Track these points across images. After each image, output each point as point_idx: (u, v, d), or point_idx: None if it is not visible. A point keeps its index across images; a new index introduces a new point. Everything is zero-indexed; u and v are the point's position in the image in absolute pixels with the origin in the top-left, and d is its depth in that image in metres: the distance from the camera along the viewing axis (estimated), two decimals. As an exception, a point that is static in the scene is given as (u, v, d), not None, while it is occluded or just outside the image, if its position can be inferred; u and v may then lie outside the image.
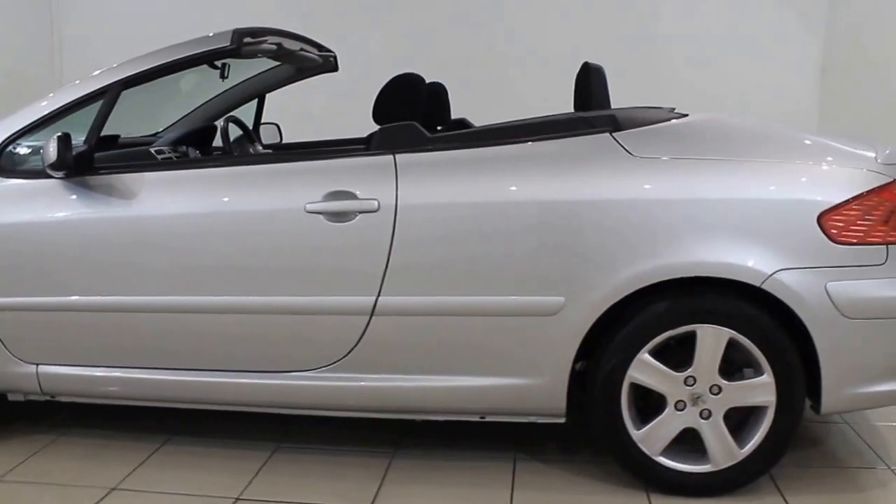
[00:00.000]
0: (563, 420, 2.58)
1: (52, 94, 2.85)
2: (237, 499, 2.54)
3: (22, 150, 2.90)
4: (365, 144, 3.57)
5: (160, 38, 6.34)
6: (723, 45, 5.58)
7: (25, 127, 2.81)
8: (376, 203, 2.48)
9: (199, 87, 3.91)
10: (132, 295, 2.67)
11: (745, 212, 2.34)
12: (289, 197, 2.55)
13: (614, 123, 2.50)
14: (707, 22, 5.76)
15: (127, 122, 3.89)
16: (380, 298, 2.50)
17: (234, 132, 3.71)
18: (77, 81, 2.85)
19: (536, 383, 2.49)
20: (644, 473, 2.50)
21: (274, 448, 2.87)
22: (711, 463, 2.45)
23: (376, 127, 2.71)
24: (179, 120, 3.91)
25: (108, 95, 2.76)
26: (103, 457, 2.86)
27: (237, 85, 3.78)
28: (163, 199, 2.66)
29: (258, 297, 2.58)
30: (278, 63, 3.58)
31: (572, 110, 3.44)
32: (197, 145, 3.67)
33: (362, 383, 2.60)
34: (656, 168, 2.40)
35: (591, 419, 2.52)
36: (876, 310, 2.31)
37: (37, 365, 2.82)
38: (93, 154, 2.72)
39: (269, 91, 3.84)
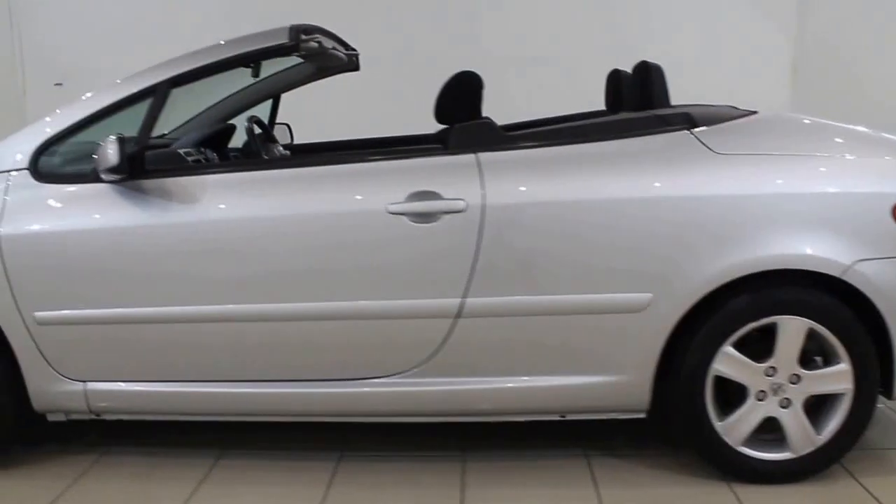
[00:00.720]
0: (643, 415, 2.60)
1: (89, 95, 2.69)
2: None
3: (60, 154, 2.71)
4: (399, 143, 3.55)
5: (126, 43, 6.15)
6: (693, 46, 5.74)
7: (64, 130, 2.65)
8: (463, 203, 2.44)
9: (206, 87, 3.76)
10: (196, 304, 2.54)
11: (822, 205, 2.42)
12: (369, 198, 2.48)
13: (691, 121, 2.54)
14: (677, 23, 5.93)
15: (131, 123, 3.72)
16: (466, 300, 2.47)
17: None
18: (118, 81, 2.70)
19: (622, 380, 2.51)
20: (726, 464, 2.55)
21: (338, 458, 2.79)
22: (791, 450, 2.52)
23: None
24: (190, 121, 3.75)
25: (156, 95, 2.63)
26: (157, 476, 2.72)
27: (252, 84, 3.65)
28: (226, 202, 2.55)
29: (334, 302, 2.50)
30: (300, 61, 3.48)
31: (588, 109, 3.51)
32: (213, 147, 3.53)
33: (442, 387, 2.56)
34: (737, 164, 2.46)
35: (673, 413, 2.56)
36: None
37: (85, 382, 2.65)
38: (144, 156, 2.58)
39: (286, 90, 3.72)
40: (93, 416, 2.74)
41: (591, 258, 2.45)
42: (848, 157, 2.51)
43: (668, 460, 2.71)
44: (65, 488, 2.64)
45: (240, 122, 3.65)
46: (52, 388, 2.66)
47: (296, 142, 3.98)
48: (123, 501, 2.56)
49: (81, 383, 2.65)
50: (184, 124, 3.74)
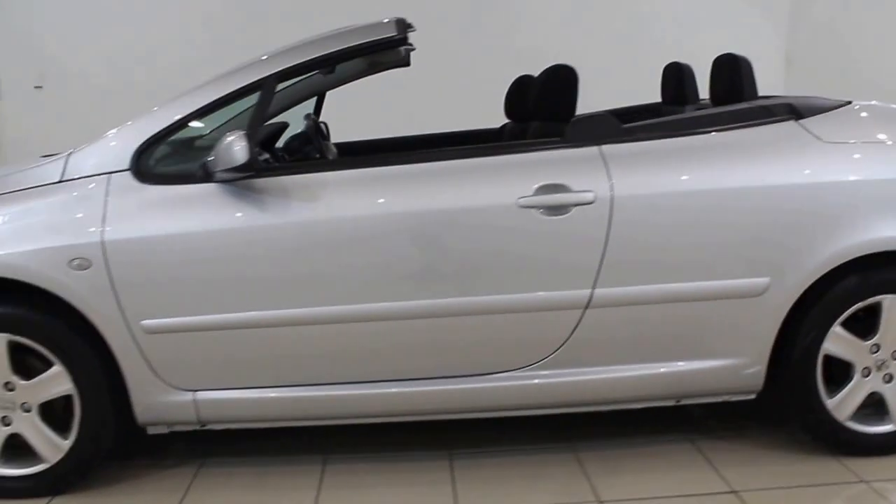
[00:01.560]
0: (753, 396, 2.69)
1: (189, 93, 2.58)
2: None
3: (160, 153, 2.58)
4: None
5: (108, 43, 5.89)
6: (686, 39, 5.91)
7: (166, 128, 2.54)
8: (591, 195, 2.46)
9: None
10: (314, 306, 2.47)
11: None
12: (498, 192, 2.47)
13: (796, 111, 2.64)
14: (671, 16, 6.10)
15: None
16: (595, 290, 2.49)
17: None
18: (218, 76, 2.59)
19: (739, 363, 2.59)
20: (836, 439, 2.66)
21: (447, 455, 2.77)
22: (894, 423, 2.66)
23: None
24: (232, 119, 3.61)
25: (263, 90, 2.54)
26: (271, 484, 2.65)
27: (303, 80, 3.55)
28: (345, 200, 2.49)
29: (463, 298, 2.48)
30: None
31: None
32: (262, 146, 3.42)
33: (567, 378, 2.57)
34: (846, 152, 2.57)
35: (785, 393, 2.65)
36: None
37: (194, 392, 2.54)
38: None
39: (336, 86, 3.63)
40: (195, 427, 2.64)
41: (712, 246, 2.51)
42: None
43: (768, 439, 2.80)
44: (178, 501, 2.53)
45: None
46: (159, 399, 2.54)
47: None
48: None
49: (191, 393, 2.54)
50: (225, 123, 3.61)
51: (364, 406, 2.58)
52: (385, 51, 2.65)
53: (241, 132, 2.37)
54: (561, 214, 2.46)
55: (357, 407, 2.58)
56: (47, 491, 2.59)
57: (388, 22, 2.62)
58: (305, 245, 2.46)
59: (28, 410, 2.54)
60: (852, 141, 2.59)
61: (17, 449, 2.58)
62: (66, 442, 2.55)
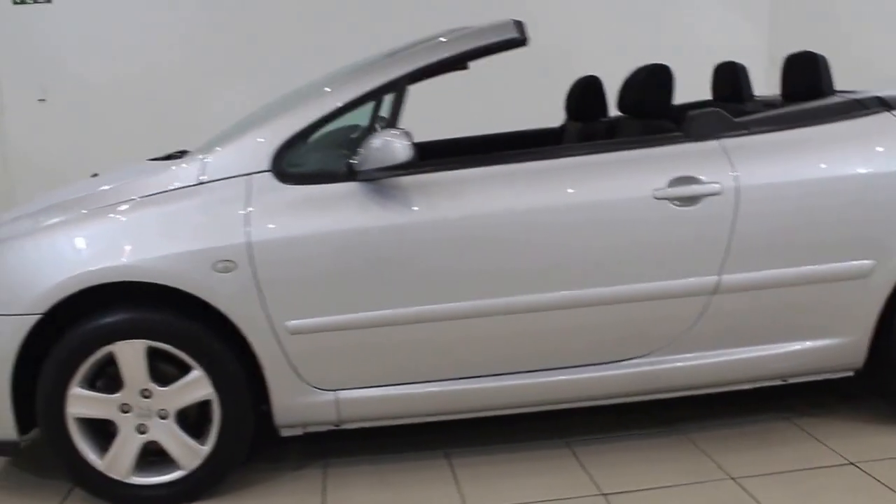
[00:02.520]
0: (852, 373, 2.86)
1: (327, 91, 2.59)
2: (606, 494, 2.52)
3: (299, 153, 2.58)
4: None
5: (110, 55, 5.74)
6: (669, 40, 6.10)
7: (304, 128, 2.55)
8: (719, 186, 2.58)
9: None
10: (460, 301, 2.51)
11: None
12: (634, 185, 2.57)
13: (886, 104, 2.81)
14: (653, 17, 6.28)
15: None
16: (721, 277, 2.61)
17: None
18: (349, 77, 2.60)
19: (844, 342, 2.74)
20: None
21: (565, 442, 2.84)
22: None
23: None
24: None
25: (397, 90, 2.57)
26: (401, 482, 2.65)
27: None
28: (489, 196, 2.53)
29: (602, 287, 2.56)
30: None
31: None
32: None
33: (691, 363, 2.68)
34: None
35: (886, 368, 2.81)
36: None
37: (336, 391, 2.55)
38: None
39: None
40: (331, 428, 2.64)
41: (824, 232, 2.65)
42: None
43: (855, 413, 2.97)
44: (319, 501, 2.53)
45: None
46: (301, 400, 2.54)
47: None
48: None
49: (332, 393, 2.55)
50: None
51: (499, 398, 2.63)
52: (505, 50, 2.69)
53: (399, 131, 2.40)
54: (692, 205, 2.57)
55: (492, 399, 2.63)
56: (184, 498, 2.56)
57: (507, 23, 2.67)
58: (448, 241, 2.50)
59: (165, 417, 2.50)
60: (944, 131, 2.78)
61: (148, 456, 2.55)
62: (205, 448, 2.52)
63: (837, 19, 5.98)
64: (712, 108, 2.76)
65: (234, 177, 2.49)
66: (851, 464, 2.62)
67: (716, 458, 2.69)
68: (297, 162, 2.59)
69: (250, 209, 2.45)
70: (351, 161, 2.48)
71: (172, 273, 2.41)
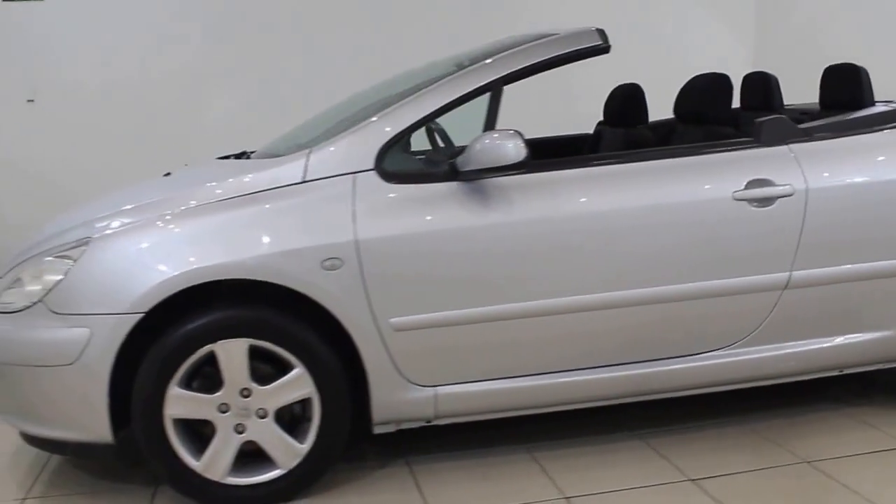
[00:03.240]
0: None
1: (420, 95, 2.63)
2: (695, 479, 2.62)
3: (396, 153, 2.61)
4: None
5: (100, 55, 5.65)
6: (654, 49, 6.29)
7: (404, 129, 2.59)
8: (791, 188, 2.73)
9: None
10: (559, 297, 2.59)
11: None
12: (715, 187, 2.69)
13: (929, 113, 3.02)
14: (638, 26, 6.43)
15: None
16: (792, 273, 2.76)
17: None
18: (446, 79, 2.66)
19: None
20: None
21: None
22: None
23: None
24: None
25: (493, 93, 2.64)
26: (492, 475, 2.71)
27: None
28: (586, 196, 2.62)
29: (688, 283, 2.67)
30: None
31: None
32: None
33: (763, 354, 2.82)
34: None
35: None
36: None
37: (435, 387, 2.59)
38: None
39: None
40: (422, 424, 2.68)
41: (884, 230, 2.83)
42: None
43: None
44: (421, 498, 2.56)
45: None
46: (400, 396, 2.57)
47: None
48: (498, 499, 2.55)
49: (432, 389, 2.58)
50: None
51: (588, 391, 2.71)
52: (590, 57, 2.78)
53: (511, 131, 2.46)
54: (767, 206, 2.71)
55: (581, 393, 2.71)
56: (281, 497, 2.55)
57: (591, 31, 2.76)
58: (545, 240, 2.57)
59: (263, 417, 2.49)
60: None
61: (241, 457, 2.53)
62: (304, 446, 2.52)
63: (822, 31, 6.29)
64: (778, 116, 2.91)
65: (339, 175, 2.51)
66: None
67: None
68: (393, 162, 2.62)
69: (356, 207, 2.47)
70: (453, 161, 2.53)
71: (281, 270, 2.41)
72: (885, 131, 2.93)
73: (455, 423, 2.70)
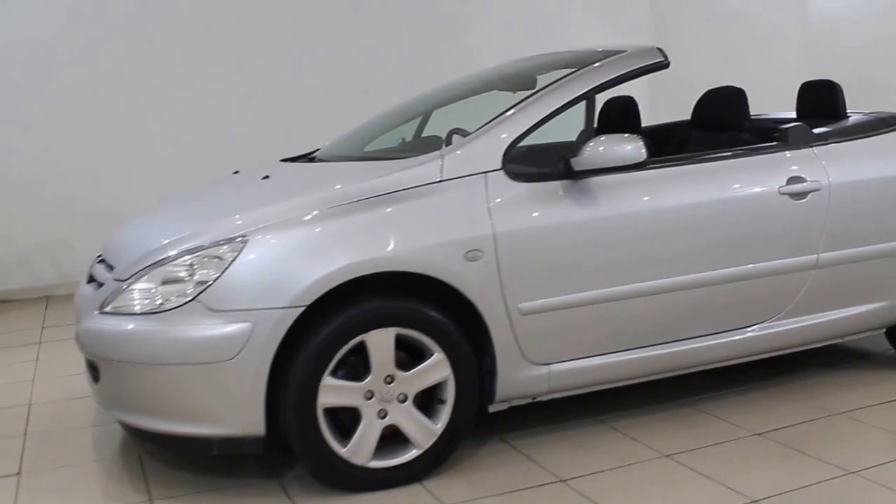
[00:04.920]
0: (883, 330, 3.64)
1: (529, 103, 2.90)
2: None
3: (515, 154, 2.85)
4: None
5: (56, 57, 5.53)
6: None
7: (523, 133, 2.84)
8: (818, 184, 3.24)
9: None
10: (653, 279, 2.94)
11: None
12: (763, 183, 3.15)
13: (907, 120, 3.65)
14: (537, 38, 6.88)
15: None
16: (820, 255, 3.27)
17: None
18: (548, 89, 2.94)
19: (887, 305, 3.49)
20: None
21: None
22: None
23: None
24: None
25: (588, 100, 2.95)
26: (584, 443, 3.00)
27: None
28: (672, 192, 3.00)
29: (749, 265, 3.10)
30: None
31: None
32: None
33: (797, 325, 3.30)
34: None
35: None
36: None
37: (549, 365, 2.86)
38: None
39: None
40: (528, 400, 2.93)
41: (874, 217, 3.38)
42: None
43: None
44: (537, 466, 2.81)
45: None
46: (521, 374, 2.81)
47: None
48: (597, 463, 2.85)
49: (546, 366, 2.85)
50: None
51: (672, 362, 3.08)
52: (652, 72, 3.14)
53: (628, 135, 2.78)
54: (801, 199, 3.20)
55: (667, 363, 3.07)
56: (417, 477, 2.71)
57: (650, 49, 3.13)
58: (643, 230, 2.92)
59: (403, 401, 2.66)
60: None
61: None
62: (438, 426, 2.71)
63: (716, 46, 7.07)
64: (799, 123, 3.42)
65: (473, 174, 2.72)
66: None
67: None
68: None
69: (490, 204, 2.70)
70: (567, 160, 2.82)
71: (430, 262, 2.59)
72: (883, 135, 3.52)
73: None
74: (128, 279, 2.63)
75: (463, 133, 3.64)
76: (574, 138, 3.75)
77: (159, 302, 2.52)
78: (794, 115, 3.96)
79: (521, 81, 3.49)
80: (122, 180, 6.09)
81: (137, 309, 2.56)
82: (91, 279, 2.98)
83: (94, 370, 2.75)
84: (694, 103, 3.93)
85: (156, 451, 2.99)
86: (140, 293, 2.58)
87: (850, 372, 3.70)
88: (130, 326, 2.55)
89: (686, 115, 4.07)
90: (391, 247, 2.58)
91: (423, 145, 3.58)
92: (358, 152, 3.54)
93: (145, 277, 2.58)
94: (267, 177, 3.19)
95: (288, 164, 3.46)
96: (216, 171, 5.69)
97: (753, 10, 7.34)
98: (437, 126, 3.80)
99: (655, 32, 7.42)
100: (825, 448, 2.91)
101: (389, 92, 5.53)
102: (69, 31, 5.90)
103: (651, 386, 3.26)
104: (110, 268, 2.85)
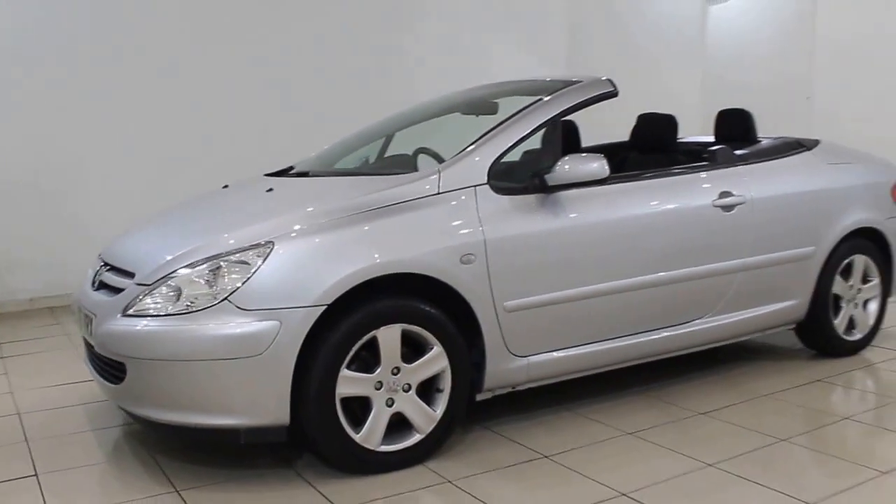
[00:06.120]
0: (793, 327, 4.23)
1: (507, 126, 3.30)
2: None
3: (498, 169, 3.22)
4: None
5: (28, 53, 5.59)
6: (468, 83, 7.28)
7: (504, 151, 3.24)
8: (743, 198, 3.79)
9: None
10: (619, 279, 3.39)
11: (868, 191, 4.33)
12: (702, 196, 3.66)
13: (804, 145, 4.27)
14: (457, 66, 7.38)
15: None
16: (745, 260, 3.81)
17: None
18: (521, 114, 3.35)
19: (796, 303, 4.10)
20: (831, 346, 4.33)
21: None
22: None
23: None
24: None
25: (554, 124, 3.39)
26: (559, 427, 3.40)
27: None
28: (626, 203, 3.46)
29: (687, 269, 3.59)
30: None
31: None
32: None
33: (724, 321, 3.83)
34: (837, 169, 4.25)
35: (809, 322, 4.21)
36: None
37: (527, 357, 3.24)
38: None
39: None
40: (508, 389, 3.30)
41: (792, 227, 3.98)
42: (867, 162, 4.49)
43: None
44: (526, 448, 3.18)
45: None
46: (505, 365, 3.18)
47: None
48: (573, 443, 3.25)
49: (525, 358, 3.23)
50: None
51: (633, 352, 3.53)
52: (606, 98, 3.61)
53: (593, 154, 3.21)
54: (730, 211, 3.74)
55: (629, 353, 3.53)
56: (419, 459, 3.02)
57: (605, 80, 3.60)
58: (605, 237, 3.36)
59: (407, 390, 2.98)
60: (837, 163, 4.30)
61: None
62: (437, 412, 3.04)
63: (624, 79, 7.72)
64: (723, 146, 3.98)
65: (464, 188, 3.09)
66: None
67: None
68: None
69: (480, 214, 3.08)
70: (544, 176, 3.22)
71: (434, 265, 2.94)
72: (792, 156, 4.12)
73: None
74: (154, 283, 2.84)
75: (429, 152, 4.05)
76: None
77: (189, 303, 2.75)
78: (711, 138, 4.54)
79: (484, 106, 3.91)
80: (73, 196, 6.13)
81: (169, 310, 2.77)
82: (101, 286, 3.16)
83: (114, 371, 2.94)
84: (601, 128, 4.42)
85: (167, 450, 3.19)
86: (169, 296, 2.80)
87: (771, 362, 4.28)
88: (162, 326, 2.76)
89: (600, 139, 4.61)
90: (401, 251, 2.91)
91: (398, 163, 3.95)
92: (352, 167, 3.90)
93: (173, 281, 2.81)
94: (271, 189, 3.46)
95: (280, 178, 3.74)
96: (192, 178, 5.87)
97: (657, 48, 8.12)
98: (400, 146, 4.17)
99: (568, 66, 8.05)
100: (758, 423, 3.42)
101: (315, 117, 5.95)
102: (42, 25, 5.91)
103: (609, 377, 3.71)
104: (127, 274, 3.04)
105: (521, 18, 7.91)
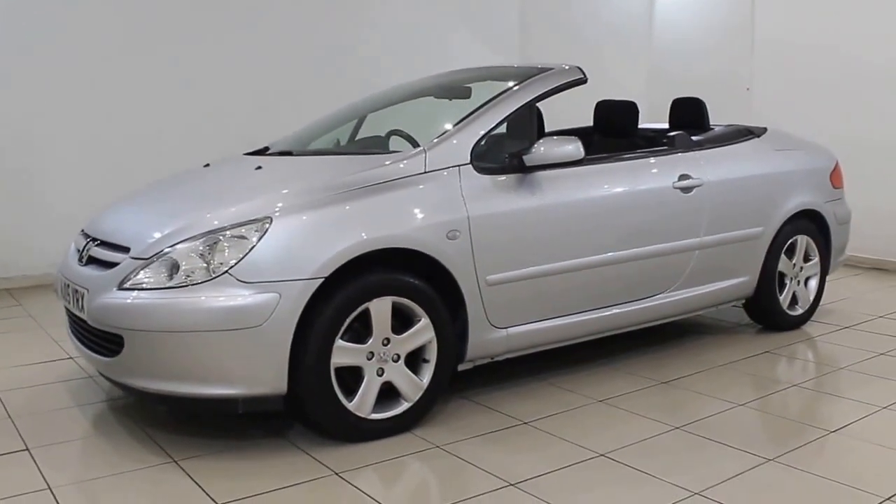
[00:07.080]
0: (742, 303, 4.53)
1: (488, 109, 3.46)
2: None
3: (480, 150, 3.38)
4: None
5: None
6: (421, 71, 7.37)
7: (486, 132, 3.39)
8: (700, 181, 4.04)
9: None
10: (591, 255, 3.60)
11: (811, 175, 4.66)
12: (662, 179, 3.90)
13: (753, 132, 4.56)
14: (414, 57, 7.48)
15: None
16: (702, 238, 4.06)
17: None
18: (499, 98, 3.51)
19: (746, 280, 4.39)
20: (772, 318, 4.65)
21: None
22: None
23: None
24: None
25: (530, 109, 3.56)
26: (529, 395, 3.60)
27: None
28: (595, 185, 3.66)
29: (650, 246, 3.83)
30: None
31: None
32: None
33: (685, 295, 4.08)
34: (784, 155, 4.56)
35: (759, 297, 4.52)
36: (843, 218, 4.90)
37: (507, 328, 3.42)
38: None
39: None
40: (488, 360, 3.47)
41: (743, 208, 4.25)
42: (808, 149, 4.82)
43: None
44: (504, 415, 3.37)
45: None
46: (486, 336, 3.35)
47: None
48: (548, 409, 3.45)
49: (504, 330, 3.41)
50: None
51: (600, 325, 3.74)
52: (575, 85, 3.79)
53: (569, 137, 3.39)
54: (689, 193, 3.98)
55: (601, 325, 3.74)
56: (407, 426, 3.17)
57: (576, 67, 3.79)
58: (577, 214, 3.56)
59: (396, 360, 3.12)
60: (783, 149, 4.61)
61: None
62: (424, 382, 3.18)
63: (576, 59, 7.97)
64: (681, 132, 4.22)
65: (449, 167, 3.23)
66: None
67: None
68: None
69: (464, 192, 3.23)
70: (523, 157, 3.39)
71: (423, 240, 3.08)
72: (743, 143, 4.40)
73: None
74: (151, 257, 2.90)
75: (401, 134, 4.18)
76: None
77: (186, 276, 2.82)
78: (665, 125, 4.79)
79: (456, 91, 4.06)
80: (36, 177, 6.03)
81: (167, 283, 2.84)
82: (91, 260, 3.19)
83: (109, 344, 2.99)
84: (549, 115, 4.60)
85: (155, 424, 3.25)
86: (167, 269, 2.86)
87: (724, 336, 4.57)
88: (162, 298, 2.82)
89: (552, 125, 4.81)
90: (393, 226, 3.04)
91: (371, 144, 4.07)
92: (331, 148, 4.00)
93: (172, 255, 2.88)
94: (260, 167, 3.54)
95: (264, 157, 3.81)
96: (155, 158, 5.85)
97: (605, 40, 8.37)
98: (371, 129, 4.28)
99: (521, 53, 8.24)
100: (716, 390, 3.68)
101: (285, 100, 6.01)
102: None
103: (579, 350, 3.92)
104: (120, 249, 3.08)
105: (475, 10, 8.07)
